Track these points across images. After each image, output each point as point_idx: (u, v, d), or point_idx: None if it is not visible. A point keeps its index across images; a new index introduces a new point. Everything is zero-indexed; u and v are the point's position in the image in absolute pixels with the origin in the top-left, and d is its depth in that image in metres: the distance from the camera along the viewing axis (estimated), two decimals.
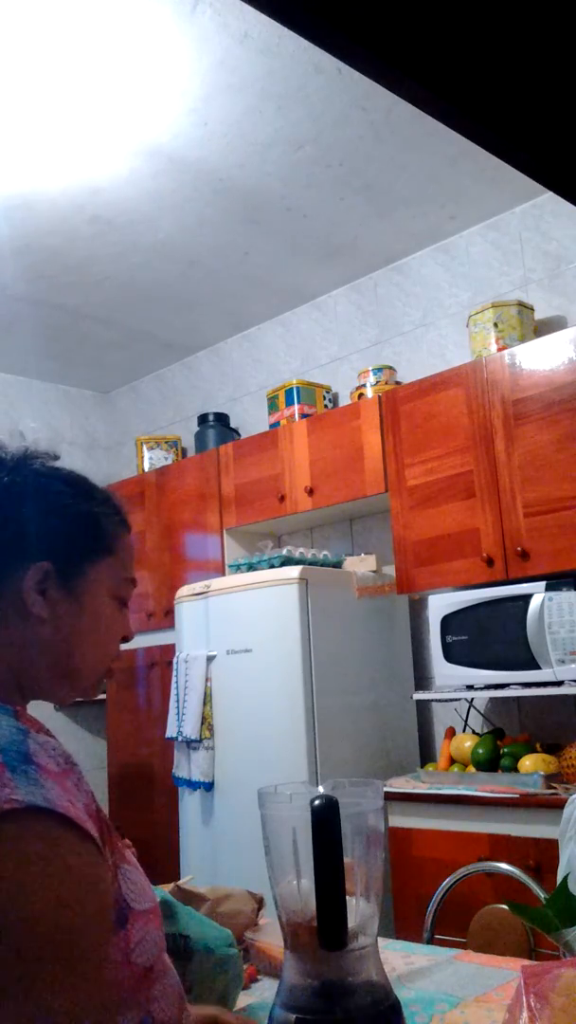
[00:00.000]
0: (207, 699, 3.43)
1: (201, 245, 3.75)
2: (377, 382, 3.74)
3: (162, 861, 3.68)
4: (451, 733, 3.27)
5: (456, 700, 3.34)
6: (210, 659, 3.45)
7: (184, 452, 4.79)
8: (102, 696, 4.57)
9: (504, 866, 2.11)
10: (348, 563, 3.68)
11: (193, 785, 3.43)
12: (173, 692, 3.57)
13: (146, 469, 4.66)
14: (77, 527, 0.99)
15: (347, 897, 0.96)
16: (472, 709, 3.40)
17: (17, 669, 0.95)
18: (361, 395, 3.75)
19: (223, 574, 3.93)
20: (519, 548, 2.98)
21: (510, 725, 3.33)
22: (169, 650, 3.90)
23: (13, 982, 0.70)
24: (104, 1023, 0.76)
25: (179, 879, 1.65)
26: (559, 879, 1.44)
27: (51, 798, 0.77)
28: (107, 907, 0.82)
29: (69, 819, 0.77)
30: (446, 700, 3.33)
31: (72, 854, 0.77)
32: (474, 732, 3.28)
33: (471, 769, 3.03)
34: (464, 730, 3.34)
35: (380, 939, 1.05)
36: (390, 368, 3.80)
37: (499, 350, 3.22)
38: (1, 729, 0.83)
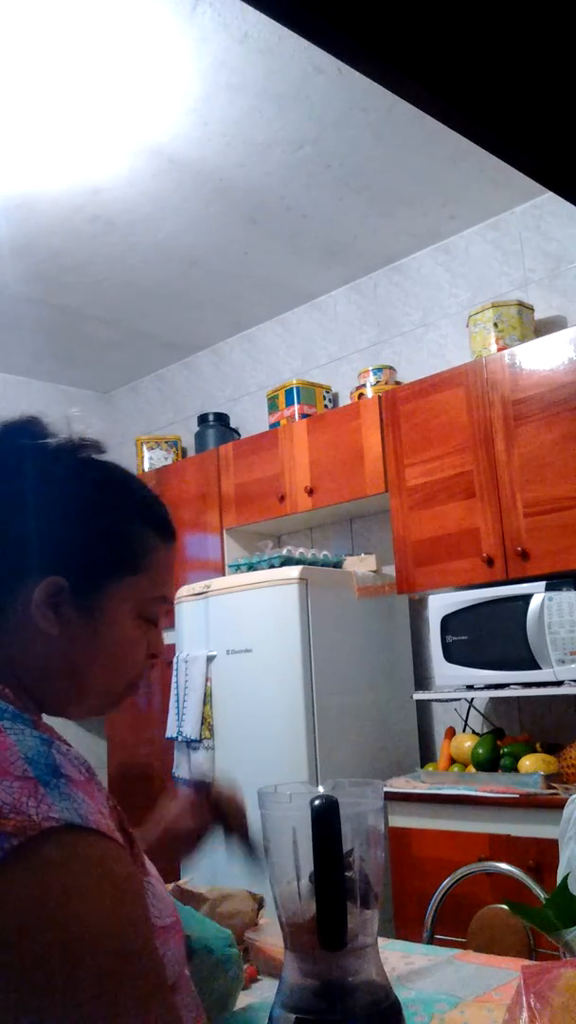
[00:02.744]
0: (207, 699, 3.43)
1: (201, 245, 3.75)
2: (377, 382, 3.74)
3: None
4: (451, 733, 3.27)
5: (456, 700, 3.34)
6: (210, 659, 3.45)
7: (184, 452, 4.79)
8: None
9: (504, 866, 2.11)
10: (348, 563, 3.68)
11: None
12: (173, 692, 3.57)
13: (146, 469, 4.66)
14: (98, 542, 0.90)
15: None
16: (472, 709, 3.40)
17: (27, 682, 0.88)
18: (361, 395, 3.75)
19: (223, 574, 3.93)
20: (519, 548, 2.98)
21: (510, 725, 3.33)
22: (169, 650, 3.89)
23: (90, 1011, 0.64)
24: None
25: (179, 879, 1.65)
26: (559, 879, 1.44)
27: (84, 813, 0.71)
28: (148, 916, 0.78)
29: (103, 833, 0.72)
30: (446, 700, 3.33)
31: (118, 864, 0.72)
32: (474, 732, 3.28)
33: (471, 769, 3.03)
34: (464, 730, 3.34)
35: (380, 939, 1.05)
36: (390, 368, 3.80)
37: (499, 350, 3.22)
38: (25, 740, 0.75)
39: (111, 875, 0.70)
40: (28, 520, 0.88)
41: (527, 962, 1.31)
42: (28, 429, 0.92)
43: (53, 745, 0.77)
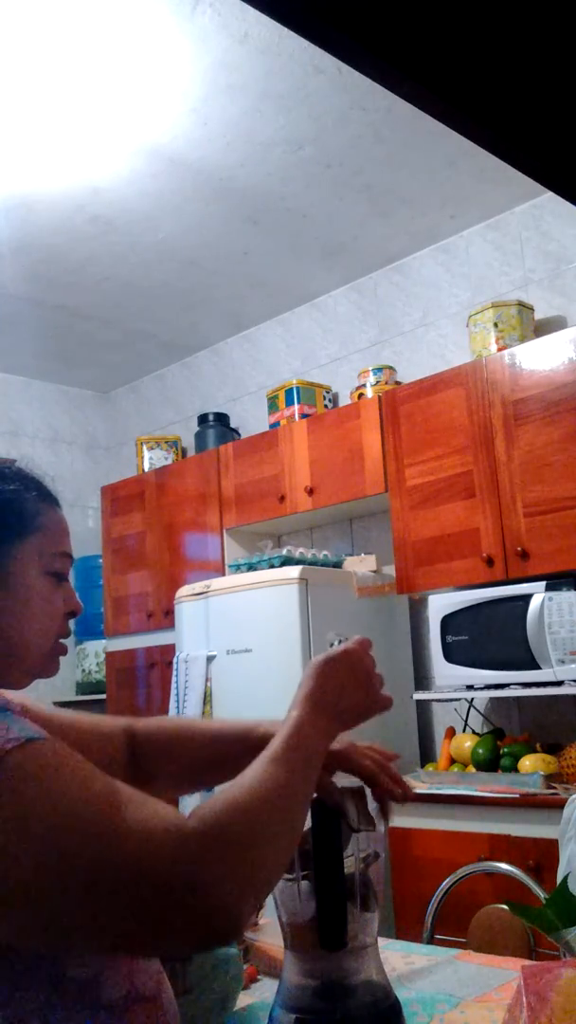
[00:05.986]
0: (207, 699, 3.43)
1: (201, 245, 3.75)
2: (377, 382, 3.73)
3: None
4: (451, 733, 3.27)
5: (456, 700, 3.34)
6: (210, 659, 3.45)
7: (184, 452, 4.79)
8: (102, 696, 4.57)
9: (504, 866, 2.11)
10: (348, 563, 3.67)
11: None
12: (173, 692, 3.57)
13: (146, 469, 4.66)
14: None
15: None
16: (472, 709, 3.40)
17: None
18: (361, 395, 3.75)
19: (223, 574, 3.93)
20: (519, 548, 2.98)
21: (510, 725, 3.33)
22: (169, 650, 3.90)
23: (92, 885, 0.75)
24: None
25: None
26: (559, 879, 1.44)
27: (36, 729, 0.84)
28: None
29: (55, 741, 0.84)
30: (446, 700, 3.33)
31: (80, 760, 0.83)
32: (474, 732, 3.28)
33: (471, 769, 3.03)
34: (464, 730, 3.34)
35: (380, 939, 1.05)
36: (390, 368, 3.80)
37: (499, 350, 3.22)
38: None
39: (79, 765, 0.83)
40: None
41: (527, 962, 1.31)
42: None
43: None
